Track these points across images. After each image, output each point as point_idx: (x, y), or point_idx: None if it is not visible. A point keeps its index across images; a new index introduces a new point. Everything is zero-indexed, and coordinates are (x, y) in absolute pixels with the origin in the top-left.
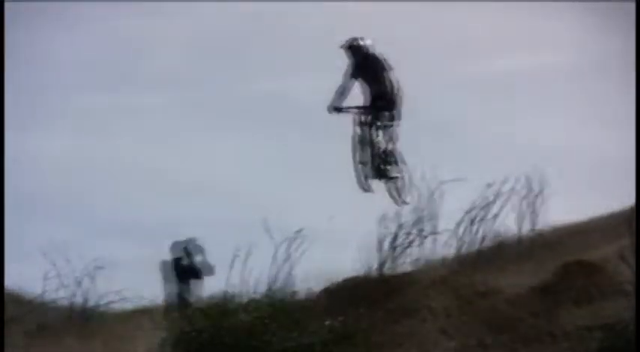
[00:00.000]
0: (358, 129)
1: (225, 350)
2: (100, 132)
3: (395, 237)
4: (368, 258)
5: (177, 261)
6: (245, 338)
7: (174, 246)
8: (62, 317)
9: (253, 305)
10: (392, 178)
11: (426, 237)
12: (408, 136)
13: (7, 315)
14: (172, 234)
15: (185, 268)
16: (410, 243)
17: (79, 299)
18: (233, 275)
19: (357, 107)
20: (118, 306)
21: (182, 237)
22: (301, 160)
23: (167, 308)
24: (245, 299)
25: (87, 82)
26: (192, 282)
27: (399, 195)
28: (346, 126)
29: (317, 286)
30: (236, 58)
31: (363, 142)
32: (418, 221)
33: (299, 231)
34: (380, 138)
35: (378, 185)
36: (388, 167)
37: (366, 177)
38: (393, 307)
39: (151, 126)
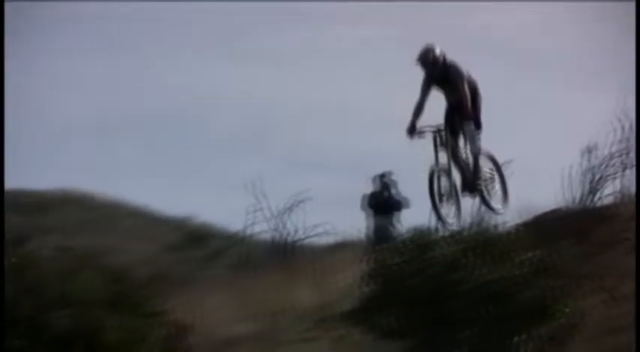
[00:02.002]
0: (440, 152)
1: (427, 282)
2: (302, 67)
3: (599, 169)
4: (572, 190)
5: (377, 194)
6: (448, 270)
7: (375, 179)
8: (265, 250)
9: (457, 238)
10: (485, 191)
11: (630, 168)
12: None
13: (212, 248)
14: (373, 167)
15: (385, 201)
16: (615, 175)
17: (281, 233)
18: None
19: (435, 126)
20: (320, 240)
21: (382, 170)
22: (503, 92)
23: (369, 241)
24: (448, 232)
25: (283, 20)
26: (394, 215)
27: (491, 205)
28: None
29: (520, 219)
30: None
31: (446, 169)
32: (623, 152)
33: (504, 163)
34: (467, 149)
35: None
36: (479, 181)
37: (448, 214)
38: (595, 239)
39: (354, 62)
